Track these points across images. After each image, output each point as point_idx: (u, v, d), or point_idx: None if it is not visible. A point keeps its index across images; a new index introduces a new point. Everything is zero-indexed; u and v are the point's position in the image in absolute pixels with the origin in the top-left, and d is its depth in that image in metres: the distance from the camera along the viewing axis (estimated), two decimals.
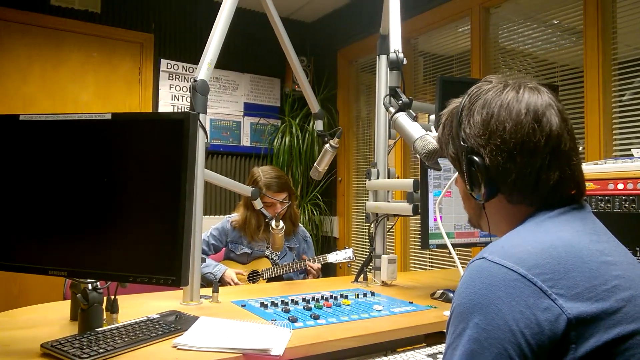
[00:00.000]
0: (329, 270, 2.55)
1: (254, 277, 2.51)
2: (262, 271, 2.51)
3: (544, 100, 0.85)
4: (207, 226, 2.36)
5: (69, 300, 1.42)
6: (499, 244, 0.79)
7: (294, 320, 1.38)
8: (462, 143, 0.89)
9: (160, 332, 1.23)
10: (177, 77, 4.14)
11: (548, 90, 0.88)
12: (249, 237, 2.54)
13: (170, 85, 4.11)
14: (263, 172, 2.54)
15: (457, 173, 1.37)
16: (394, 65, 1.65)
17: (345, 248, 2.48)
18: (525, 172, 0.83)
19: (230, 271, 2.41)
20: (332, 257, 2.44)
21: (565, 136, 0.84)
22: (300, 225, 2.73)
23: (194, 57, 4.11)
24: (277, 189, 2.51)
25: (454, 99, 0.97)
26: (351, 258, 2.42)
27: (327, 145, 2.29)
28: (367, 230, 2.16)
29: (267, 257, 2.56)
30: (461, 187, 0.99)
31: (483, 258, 0.76)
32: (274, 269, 2.49)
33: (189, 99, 1.72)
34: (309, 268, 2.47)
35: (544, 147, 0.82)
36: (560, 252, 0.74)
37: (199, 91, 1.65)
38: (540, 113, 0.83)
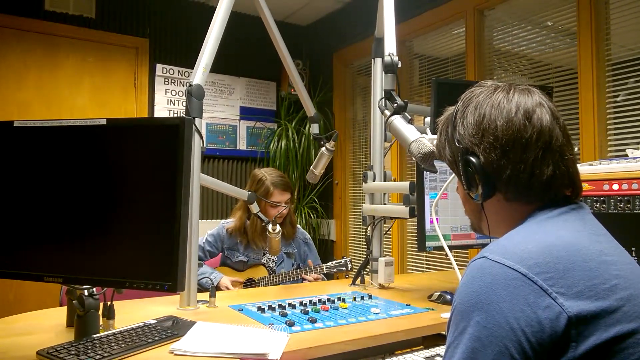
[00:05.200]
0: (326, 275, 2.54)
1: (250, 285, 2.50)
2: (258, 279, 2.50)
3: (534, 99, 0.87)
4: (203, 231, 2.36)
5: (65, 307, 1.41)
6: (500, 243, 0.79)
7: (291, 324, 1.38)
8: (457, 144, 0.92)
9: (157, 338, 1.22)
10: (173, 81, 4.14)
11: (539, 91, 0.90)
12: (249, 240, 2.52)
13: (165, 89, 4.10)
14: (267, 172, 2.55)
15: (453, 175, 1.38)
16: (389, 68, 1.66)
17: (343, 258, 2.48)
18: (519, 168, 0.84)
19: (226, 279, 2.40)
20: (329, 268, 2.44)
21: (557, 132, 0.86)
22: (299, 227, 2.72)
23: (190, 62, 4.08)
24: (284, 188, 2.52)
25: (449, 106, 0.99)
26: (348, 268, 2.42)
27: (323, 149, 2.28)
28: (364, 233, 2.16)
29: (263, 264, 2.55)
30: (461, 192, 1.00)
31: (484, 257, 0.77)
32: (270, 278, 2.48)
33: (184, 104, 1.72)
34: (305, 282, 2.46)
35: (536, 142, 0.84)
36: (561, 251, 0.75)
37: (194, 96, 1.64)
38: (530, 111, 0.86)
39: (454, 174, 1.37)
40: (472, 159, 0.88)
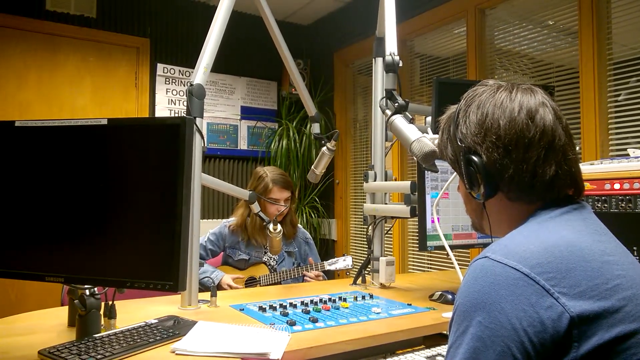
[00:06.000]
0: (326, 274, 2.55)
1: (251, 283, 2.50)
2: (260, 277, 2.50)
3: (537, 99, 0.87)
4: (204, 230, 2.36)
5: (67, 306, 1.41)
6: (502, 243, 0.79)
7: (292, 323, 1.38)
8: (459, 143, 0.91)
9: (158, 337, 1.22)
10: (174, 81, 4.14)
11: (542, 91, 0.90)
12: (250, 236, 2.53)
13: (166, 89, 4.11)
14: (268, 170, 2.58)
15: (454, 174, 1.38)
16: (389, 67, 1.65)
17: (343, 255, 2.48)
18: (521, 167, 0.84)
19: (227, 277, 2.40)
20: (330, 265, 2.44)
21: (559, 132, 0.85)
22: (300, 226, 2.72)
23: (190, 61, 4.11)
24: (283, 185, 2.54)
25: (451, 105, 0.99)
26: (349, 266, 2.42)
27: (324, 148, 2.29)
28: (365, 233, 2.16)
29: (264, 263, 2.55)
30: (462, 191, 1.00)
31: (486, 257, 0.77)
32: (271, 275, 2.48)
33: (185, 103, 1.72)
34: (306, 278, 2.47)
35: (539, 142, 0.84)
36: (563, 251, 0.75)
37: (195, 95, 1.64)
38: (533, 110, 0.86)
39: (455, 174, 1.37)
40: (475, 158, 0.88)
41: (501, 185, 0.87)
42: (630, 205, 1.49)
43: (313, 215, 4.38)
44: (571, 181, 0.87)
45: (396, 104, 1.56)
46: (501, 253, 0.76)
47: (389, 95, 1.61)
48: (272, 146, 4.42)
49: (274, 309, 1.56)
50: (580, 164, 0.93)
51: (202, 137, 1.65)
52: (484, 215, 0.95)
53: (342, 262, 2.43)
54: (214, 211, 4.29)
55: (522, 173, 0.84)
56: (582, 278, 0.72)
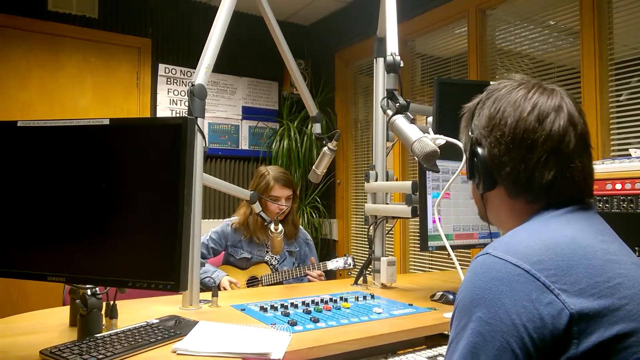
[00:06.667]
0: (328, 274, 2.55)
1: (253, 283, 2.51)
2: (262, 277, 2.50)
3: (554, 102, 0.86)
4: (205, 230, 2.36)
5: (68, 306, 1.41)
6: (503, 240, 0.80)
7: (293, 323, 1.38)
8: (469, 134, 0.94)
9: (159, 337, 1.23)
10: (175, 81, 4.15)
11: (564, 94, 0.89)
12: (252, 233, 2.54)
13: (168, 89, 4.11)
14: (271, 169, 2.61)
15: (455, 174, 1.39)
16: (390, 67, 1.65)
17: (345, 255, 2.48)
18: (519, 167, 0.85)
19: (225, 279, 2.40)
20: (332, 265, 2.44)
21: (569, 138, 0.84)
22: (301, 227, 2.73)
23: (192, 61, 4.11)
24: (285, 183, 2.55)
25: (479, 94, 0.99)
26: (350, 265, 2.42)
27: (325, 148, 2.29)
28: (366, 233, 2.16)
29: (266, 262, 2.56)
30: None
31: (487, 253, 0.77)
32: (273, 275, 2.49)
33: (187, 103, 1.72)
34: (309, 277, 2.48)
35: (542, 145, 0.84)
36: (565, 249, 0.75)
37: (196, 95, 1.65)
38: (544, 114, 0.85)
39: (456, 173, 1.38)
40: (478, 150, 0.90)
41: (499, 181, 0.89)
42: (631, 205, 1.49)
43: (314, 216, 4.38)
44: (572, 187, 0.86)
45: (397, 104, 1.56)
46: (502, 249, 0.76)
47: (390, 95, 1.61)
48: (273, 146, 4.42)
49: (275, 309, 1.56)
50: None
51: (204, 137, 1.65)
52: (486, 206, 0.96)
53: (343, 262, 2.43)
54: (215, 211, 4.29)
55: (519, 173, 0.85)
56: (583, 275, 0.72)
